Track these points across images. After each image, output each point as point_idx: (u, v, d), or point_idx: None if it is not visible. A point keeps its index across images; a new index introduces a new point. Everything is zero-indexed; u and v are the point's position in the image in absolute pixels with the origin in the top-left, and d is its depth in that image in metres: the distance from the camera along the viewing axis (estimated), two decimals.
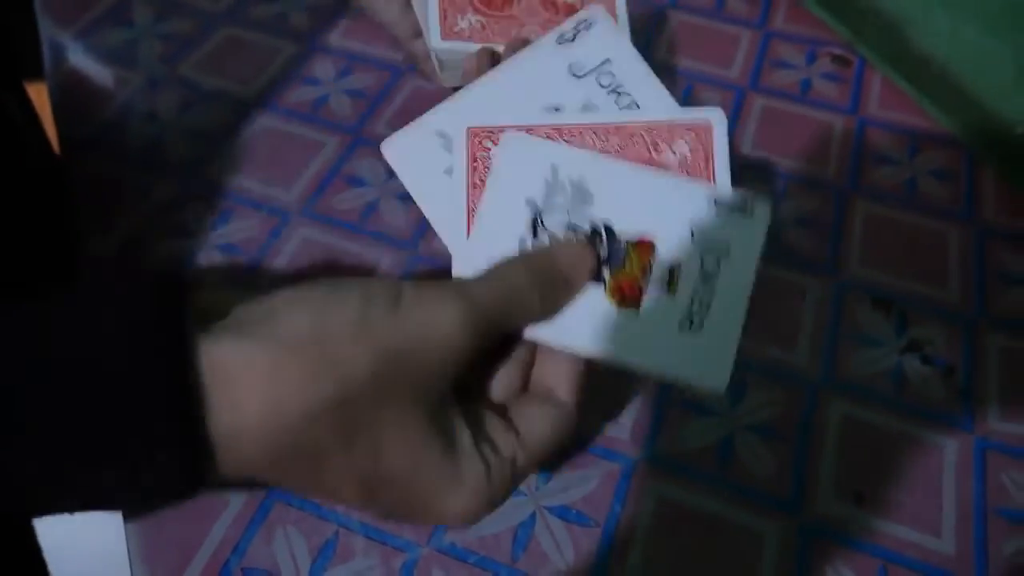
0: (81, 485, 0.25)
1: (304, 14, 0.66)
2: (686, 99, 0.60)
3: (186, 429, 0.25)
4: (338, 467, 0.28)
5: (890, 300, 0.49)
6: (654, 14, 0.67)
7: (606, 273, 0.33)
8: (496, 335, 0.31)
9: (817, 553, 0.40)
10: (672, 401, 0.45)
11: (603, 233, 0.34)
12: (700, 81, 0.62)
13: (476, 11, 0.48)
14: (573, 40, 0.39)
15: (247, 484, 0.28)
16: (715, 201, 0.34)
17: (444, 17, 0.48)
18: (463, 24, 0.48)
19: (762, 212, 0.34)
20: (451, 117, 0.38)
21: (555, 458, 0.33)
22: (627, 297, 0.33)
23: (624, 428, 0.44)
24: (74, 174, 0.54)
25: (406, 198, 0.41)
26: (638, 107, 0.38)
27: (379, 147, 0.38)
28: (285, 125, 0.57)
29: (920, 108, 0.60)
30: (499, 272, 0.32)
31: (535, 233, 0.34)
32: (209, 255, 0.50)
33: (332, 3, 0.66)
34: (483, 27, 0.48)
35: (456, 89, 0.50)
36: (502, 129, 0.36)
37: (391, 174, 0.54)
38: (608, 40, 0.40)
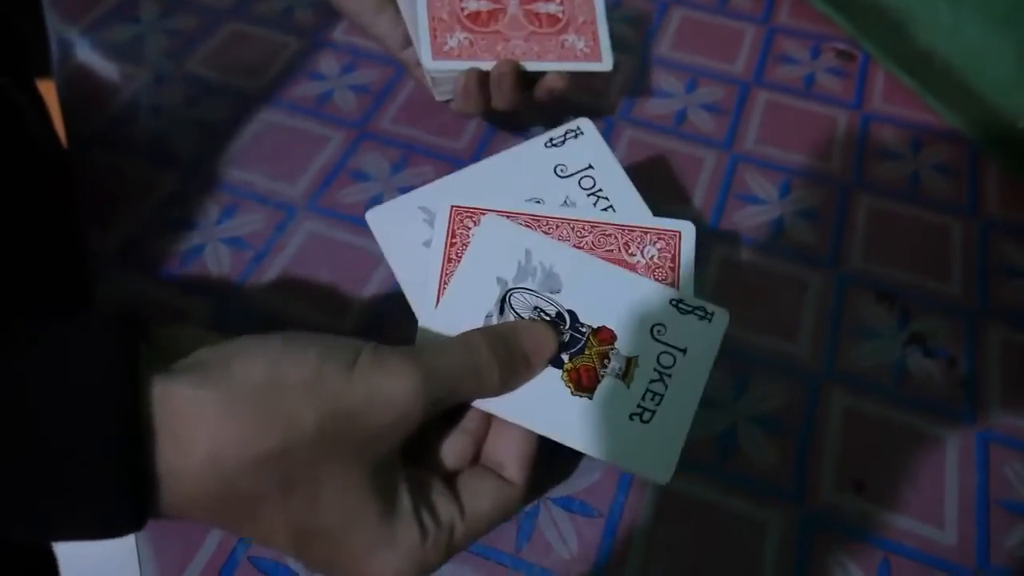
0: (28, 511, 0.26)
1: (308, 10, 0.66)
2: (689, 92, 0.60)
3: (131, 461, 0.26)
4: (273, 514, 0.29)
5: (893, 293, 0.49)
6: (659, 9, 0.67)
7: (565, 357, 0.35)
8: (449, 403, 0.32)
9: (819, 543, 0.40)
10: None
11: (567, 318, 0.35)
12: (704, 76, 0.62)
13: (464, 28, 0.50)
14: (562, 145, 0.42)
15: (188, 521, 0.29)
16: (678, 304, 0.36)
17: (434, 37, 0.50)
18: (452, 43, 0.49)
19: (720, 319, 0.36)
20: (437, 195, 0.40)
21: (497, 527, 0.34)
22: (583, 383, 0.34)
23: None
24: (82, 167, 0.55)
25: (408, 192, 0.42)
26: (615, 211, 0.40)
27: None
28: (290, 120, 0.58)
29: (923, 103, 0.60)
30: (461, 343, 0.33)
31: (502, 311, 0.35)
32: (215, 249, 0.50)
33: None
34: (471, 44, 0.49)
35: (449, 102, 0.51)
36: (484, 211, 0.38)
37: (395, 168, 0.54)
38: (594, 148, 0.42)
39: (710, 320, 0.36)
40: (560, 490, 0.42)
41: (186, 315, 0.47)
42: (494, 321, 0.35)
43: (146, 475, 0.27)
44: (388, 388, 0.29)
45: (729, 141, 0.57)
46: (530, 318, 0.35)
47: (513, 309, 0.35)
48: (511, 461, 0.34)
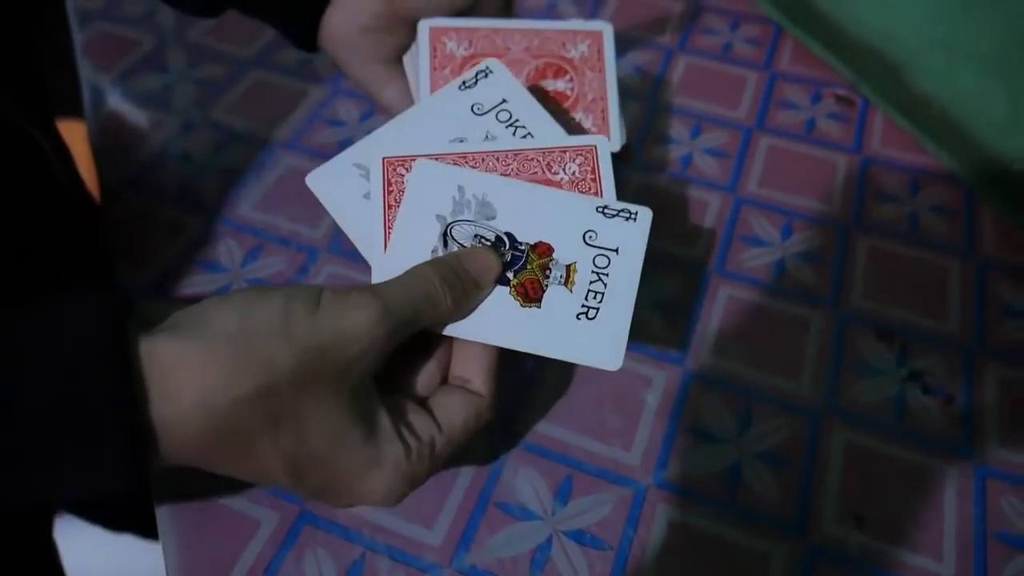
0: (39, 466, 0.28)
1: (328, 59, 0.69)
2: (694, 138, 0.63)
3: (127, 415, 0.29)
4: (266, 448, 0.31)
5: (892, 331, 0.51)
6: (664, 57, 0.70)
7: (510, 275, 0.38)
8: (410, 329, 0.35)
9: (821, 575, 0.42)
10: (681, 429, 0.47)
11: (506, 241, 0.38)
12: (708, 121, 0.64)
13: None
14: (475, 86, 0.44)
15: (191, 468, 0.32)
16: (604, 210, 0.39)
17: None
18: None
19: (644, 216, 0.39)
20: (367, 150, 0.42)
21: (471, 441, 0.37)
22: (530, 295, 0.38)
23: (636, 455, 0.46)
24: (113, 211, 0.57)
25: None
26: (533, 137, 0.43)
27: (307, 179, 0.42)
28: (311, 165, 0.60)
29: (921, 146, 0.62)
30: (411, 274, 0.36)
31: (445, 244, 0.38)
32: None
33: None
34: None
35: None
36: (413, 158, 0.40)
37: None
38: (504, 84, 0.44)
39: (635, 219, 0.39)
40: (572, 523, 0.43)
41: None
42: (440, 255, 0.38)
43: (139, 426, 0.29)
44: (352, 320, 0.32)
45: (733, 184, 0.60)
46: (472, 246, 0.38)
47: (456, 240, 0.38)
48: (476, 374, 0.37)
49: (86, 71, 0.68)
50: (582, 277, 0.38)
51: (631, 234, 0.38)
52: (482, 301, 0.37)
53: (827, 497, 0.44)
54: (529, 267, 0.38)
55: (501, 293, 0.37)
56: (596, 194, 0.41)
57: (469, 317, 0.37)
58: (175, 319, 0.32)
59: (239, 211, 0.57)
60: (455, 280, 0.36)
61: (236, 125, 0.63)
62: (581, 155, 0.42)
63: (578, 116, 0.49)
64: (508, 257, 0.38)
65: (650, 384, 0.49)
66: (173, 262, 0.54)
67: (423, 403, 0.37)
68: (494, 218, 0.39)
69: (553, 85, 0.49)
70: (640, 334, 0.51)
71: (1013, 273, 0.55)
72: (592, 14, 0.73)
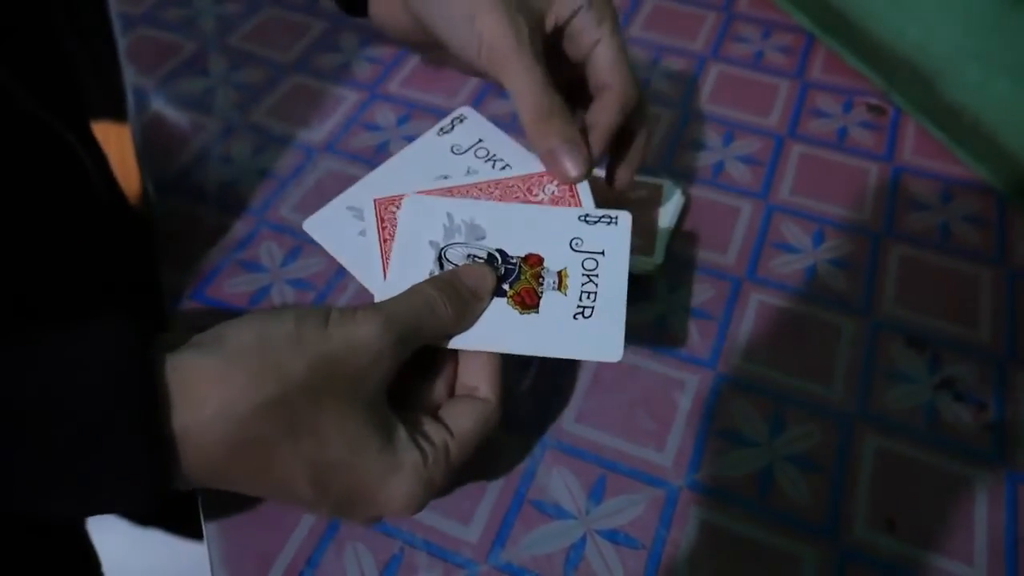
0: (69, 474, 0.30)
1: (366, 64, 0.70)
2: (726, 145, 0.63)
3: (151, 424, 0.31)
4: (287, 457, 0.33)
5: (923, 339, 0.52)
6: (696, 65, 0.70)
7: (506, 287, 0.40)
8: (416, 339, 0.37)
9: None
10: (713, 432, 0.47)
11: (498, 257, 0.41)
12: (740, 129, 0.65)
13: None
14: (451, 131, 0.47)
15: (212, 487, 0.34)
16: (585, 218, 0.42)
17: None
18: None
19: (624, 219, 0.41)
20: (359, 194, 0.45)
21: (486, 443, 0.39)
22: (527, 302, 0.40)
23: (668, 457, 0.47)
24: (156, 213, 0.59)
25: None
26: (511, 168, 0.45)
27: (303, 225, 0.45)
28: (350, 168, 0.62)
29: (953, 156, 0.62)
30: (412, 291, 0.38)
31: (441, 266, 0.41)
32: (281, 289, 0.54)
33: (392, 53, 0.71)
34: None
35: None
36: (403, 196, 0.43)
37: None
38: (479, 126, 0.48)
39: (616, 223, 0.41)
40: (605, 523, 0.44)
41: None
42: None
43: (163, 436, 0.31)
44: (359, 333, 0.34)
45: (765, 192, 0.60)
46: (466, 264, 0.41)
47: (451, 262, 0.41)
48: (482, 381, 0.39)
49: (129, 75, 0.69)
50: (574, 280, 0.40)
51: (614, 236, 0.41)
52: (482, 312, 0.39)
53: (859, 501, 0.45)
54: (523, 277, 0.40)
55: (500, 304, 0.40)
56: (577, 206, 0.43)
57: (473, 329, 0.39)
58: (195, 340, 0.34)
59: (279, 212, 0.59)
60: (453, 292, 0.38)
61: (275, 128, 0.65)
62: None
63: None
64: (502, 271, 0.40)
65: (682, 387, 0.49)
66: (215, 262, 0.56)
67: (435, 414, 0.38)
68: (484, 238, 0.41)
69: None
70: (672, 338, 0.51)
71: None
72: (625, 23, 0.74)
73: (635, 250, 0.53)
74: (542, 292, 0.40)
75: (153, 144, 0.64)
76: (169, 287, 0.54)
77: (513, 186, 0.44)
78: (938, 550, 0.43)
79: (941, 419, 0.48)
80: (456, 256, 0.41)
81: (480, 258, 0.41)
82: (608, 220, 0.41)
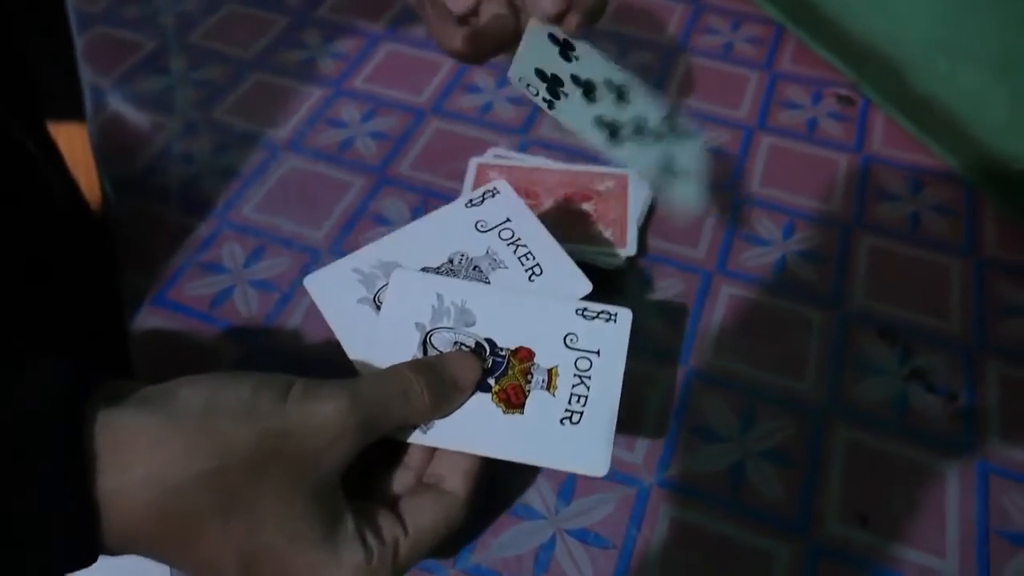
0: None
1: (330, 60, 0.69)
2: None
3: (74, 484, 0.28)
4: (216, 536, 0.30)
5: (894, 331, 0.51)
6: (666, 56, 0.70)
7: (492, 381, 0.37)
8: (382, 425, 0.34)
9: (824, 573, 0.42)
10: (684, 428, 0.47)
11: (486, 347, 0.38)
12: (710, 120, 0.64)
13: None
14: (481, 204, 0.45)
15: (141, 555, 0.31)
16: (583, 312, 0.39)
17: None
18: None
19: (624, 317, 0.38)
20: (368, 257, 0.43)
21: (446, 543, 0.36)
22: (512, 400, 0.37)
23: (639, 454, 0.46)
24: (115, 214, 0.58)
25: None
26: (533, 256, 0.43)
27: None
28: (314, 166, 0.60)
29: (922, 146, 0.62)
30: (388, 371, 0.35)
31: (425, 352, 0.38)
32: (244, 291, 0.53)
33: (357, 48, 0.70)
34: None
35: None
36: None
37: (416, 212, 0.57)
38: (509, 204, 0.45)
39: (615, 320, 0.38)
40: (575, 523, 0.43)
41: (217, 355, 0.50)
42: None
43: (88, 497, 0.28)
44: (320, 411, 0.31)
45: (734, 183, 0.60)
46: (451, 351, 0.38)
47: (435, 348, 0.38)
48: (454, 472, 0.36)
49: (87, 74, 0.68)
50: (564, 381, 0.37)
51: (612, 336, 0.38)
52: (463, 404, 0.37)
53: (830, 495, 0.44)
54: (511, 372, 0.38)
55: (483, 400, 0.37)
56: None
57: (449, 425, 0.36)
58: (144, 393, 0.31)
59: (241, 212, 0.57)
60: (434, 378, 0.35)
61: (238, 126, 0.63)
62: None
63: (599, 227, 0.54)
64: (489, 363, 0.38)
65: (652, 383, 0.49)
66: (176, 265, 0.54)
67: (394, 505, 0.35)
68: (474, 324, 0.39)
69: (576, 206, 0.55)
70: (642, 333, 0.51)
71: (1013, 272, 0.55)
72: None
73: (605, 242, 0.53)
74: (529, 391, 0.37)
75: (112, 144, 0.63)
76: (130, 291, 0.53)
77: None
78: (910, 543, 0.43)
79: (912, 410, 0.48)
80: (442, 342, 0.38)
81: (467, 346, 0.38)
82: (607, 317, 0.38)
